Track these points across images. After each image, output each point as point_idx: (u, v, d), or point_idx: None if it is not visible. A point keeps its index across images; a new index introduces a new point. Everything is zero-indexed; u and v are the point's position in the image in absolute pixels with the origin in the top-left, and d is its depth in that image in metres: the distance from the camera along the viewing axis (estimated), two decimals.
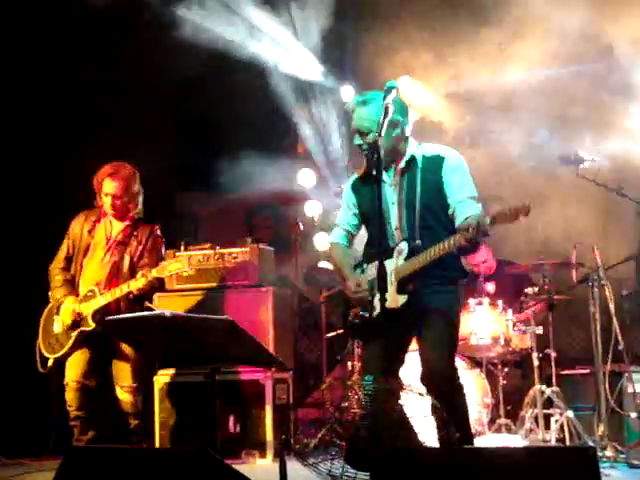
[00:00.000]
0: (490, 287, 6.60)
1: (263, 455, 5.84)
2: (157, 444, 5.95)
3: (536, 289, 6.15)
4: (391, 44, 7.19)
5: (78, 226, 5.77)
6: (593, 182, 6.06)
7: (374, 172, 4.03)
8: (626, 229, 6.95)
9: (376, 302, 4.08)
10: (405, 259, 4.24)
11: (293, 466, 3.86)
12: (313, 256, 7.91)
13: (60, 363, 5.60)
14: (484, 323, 6.15)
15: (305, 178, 8.44)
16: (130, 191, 5.66)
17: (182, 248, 6.14)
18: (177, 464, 3.30)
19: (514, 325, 6.16)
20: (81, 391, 5.56)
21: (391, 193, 4.38)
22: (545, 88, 7.08)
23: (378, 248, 4.09)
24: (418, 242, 4.23)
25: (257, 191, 7.83)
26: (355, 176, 4.61)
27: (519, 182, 6.89)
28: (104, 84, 7.47)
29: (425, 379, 4.27)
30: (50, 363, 5.59)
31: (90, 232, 5.72)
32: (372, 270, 4.29)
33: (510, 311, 6.22)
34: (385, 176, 4.37)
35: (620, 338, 5.65)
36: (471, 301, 6.18)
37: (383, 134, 4.05)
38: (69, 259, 5.75)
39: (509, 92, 7.16)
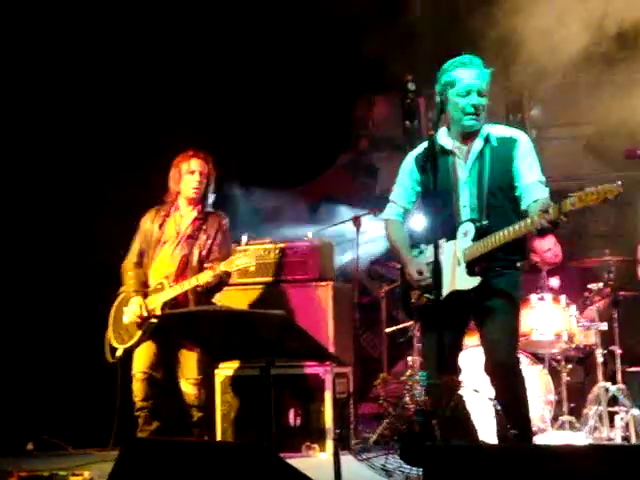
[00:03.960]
0: (554, 282, 6.48)
1: (323, 449, 5.87)
2: (219, 437, 6.02)
3: (600, 285, 6.03)
4: None
5: (149, 221, 5.87)
6: None
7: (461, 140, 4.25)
8: None
9: (445, 284, 4.05)
10: (473, 240, 4.15)
11: (349, 461, 3.87)
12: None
13: (127, 354, 5.72)
14: (546, 319, 6.04)
15: None
16: (211, 172, 5.78)
17: (243, 242, 6.18)
18: (231, 457, 3.33)
19: (578, 321, 6.06)
20: (147, 382, 5.64)
21: (462, 169, 4.30)
22: None
23: (443, 227, 4.10)
24: (485, 222, 4.15)
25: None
26: (421, 149, 4.43)
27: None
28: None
29: (489, 366, 4.18)
30: (119, 353, 5.69)
31: (160, 227, 5.82)
32: (432, 252, 4.11)
33: (574, 307, 6.10)
34: (457, 151, 4.33)
35: None
36: (533, 296, 6.07)
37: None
38: (141, 254, 5.85)
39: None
